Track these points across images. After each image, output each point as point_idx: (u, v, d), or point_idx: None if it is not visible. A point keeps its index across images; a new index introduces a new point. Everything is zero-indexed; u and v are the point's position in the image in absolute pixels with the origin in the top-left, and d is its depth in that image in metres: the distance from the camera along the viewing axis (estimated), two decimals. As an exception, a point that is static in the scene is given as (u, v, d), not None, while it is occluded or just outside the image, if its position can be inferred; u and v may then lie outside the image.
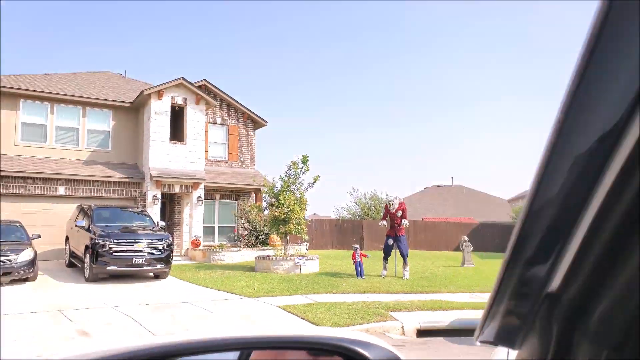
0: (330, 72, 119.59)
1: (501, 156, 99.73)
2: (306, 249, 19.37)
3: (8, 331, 6.80)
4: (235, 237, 19.61)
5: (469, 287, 11.73)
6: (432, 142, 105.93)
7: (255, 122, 21.60)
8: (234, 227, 19.95)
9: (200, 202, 17.72)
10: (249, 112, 21.18)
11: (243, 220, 19.01)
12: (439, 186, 51.82)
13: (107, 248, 11.35)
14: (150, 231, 12.70)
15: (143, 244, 11.84)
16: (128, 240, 11.72)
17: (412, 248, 26.62)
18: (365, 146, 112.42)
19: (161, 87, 17.26)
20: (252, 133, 21.52)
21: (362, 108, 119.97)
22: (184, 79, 17.66)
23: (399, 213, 13.28)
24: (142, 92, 16.96)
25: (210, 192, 19.47)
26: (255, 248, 17.43)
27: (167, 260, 12.30)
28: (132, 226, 12.90)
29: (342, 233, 26.49)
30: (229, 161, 20.70)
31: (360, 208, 33.69)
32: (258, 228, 18.35)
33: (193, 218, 17.64)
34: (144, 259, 11.76)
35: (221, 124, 20.76)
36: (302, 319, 8.41)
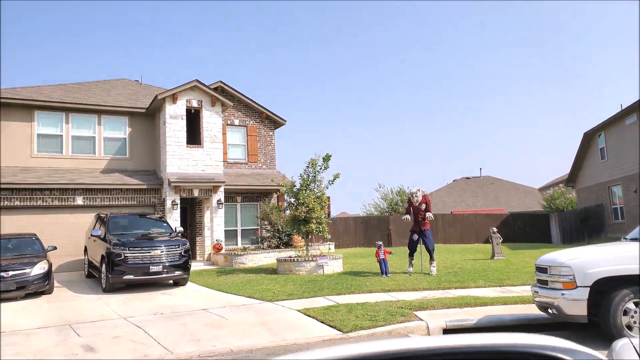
0: (353, 67, 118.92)
1: (531, 145, 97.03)
2: (329, 248, 18.85)
3: (12, 348, 6.54)
4: (258, 240, 19.27)
5: (499, 280, 11.00)
6: (460, 134, 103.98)
7: (274, 122, 21.22)
8: (257, 229, 19.62)
9: (220, 205, 17.43)
10: (267, 112, 20.81)
11: (265, 222, 18.65)
12: (467, 178, 50.49)
13: (123, 257, 11.11)
14: (167, 238, 12.42)
15: (159, 251, 11.56)
16: (144, 248, 11.45)
17: (441, 242, 25.92)
18: (391, 141, 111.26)
19: (175, 91, 17.04)
20: (271, 133, 21.15)
21: (387, 103, 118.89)
22: (198, 81, 17.40)
23: (423, 206, 12.63)
24: (156, 96, 16.76)
25: (231, 195, 19.20)
26: (278, 250, 17.03)
27: (185, 267, 11.99)
28: (149, 233, 12.66)
29: (368, 230, 25.85)
30: (248, 162, 20.38)
31: (387, 204, 32.96)
32: (280, 229, 17.95)
33: (214, 222, 17.36)
34: (161, 266, 11.47)
35: (239, 125, 20.46)
36: (322, 322, 7.93)
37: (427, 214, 12.51)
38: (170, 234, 13.01)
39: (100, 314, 8.86)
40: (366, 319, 7.87)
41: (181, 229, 13.92)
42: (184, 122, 17.22)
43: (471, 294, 9.67)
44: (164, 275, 11.58)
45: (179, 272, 11.82)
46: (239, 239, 19.45)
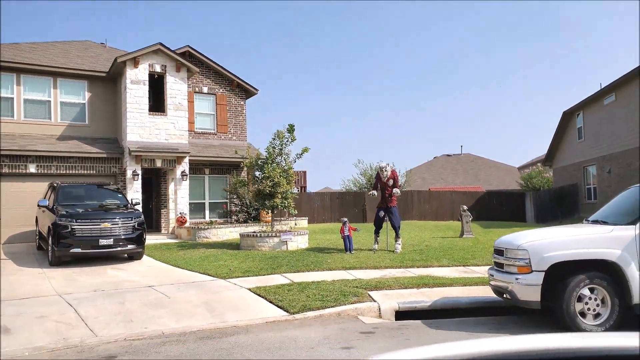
0: (334, 43, 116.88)
1: (512, 124, 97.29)
2: (295, 224, 18.41)
3: None
4: (226, 214, 18.72)
5: (464, 260, 10.68)
6: (442, 110, 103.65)
7: (245, 91, 20.40)
8: (225, 202, 19.05)
9: (184, 177, 16.76)
10: (238, 80, 19.95)
11: (233, 196, 18.06)
12: (448, 155, 50.37)
13: (70, 229, 10.47)
14: (121, 210, 11.79)
15: (110, 224, 10.94)
16: (93, 220, 10.82)
17: (416, 219, 25.71)
18: (374, 117, 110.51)
19: (137, 54, 16.10)
20: (242, 102, 20.35)
21: (370, 80, 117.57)
22: (161, 44, 16.46)
23: (390, 182, 12.18)
24: (116, 59, 15.82)
25: (198, 167, 18.52)
26: (245, 224, 16.50)
27: (139, 240, 11.42)
28: (102, 205, 12.00)
29: (344, 206, 25.48)
30: (218, 133, 19.63)
31: (366, 180, 32.59)
32: (249, 203, 17.40)
33: (178, 194, 16.72)
34: (112, 239, 10.86)
35: (208, 94, 19.61)
36: (270, 302, 7.50)
37: (394, 190, 12.08)
38: (126, 206, 12.38)
39: (36, 290, 8.28)
40: (317, 299, 7.46)
41: (138, 200, 13.28)
42: (146, 88, 16.35)
43: (432, 274, 9.34)
44: (115, 249, 10.99)
45: (132, 246, 11.24)
46: (207, 212, 18.88)
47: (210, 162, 18.51)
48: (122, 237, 11.12)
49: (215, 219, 18.47)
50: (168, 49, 16.66)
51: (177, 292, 8.18)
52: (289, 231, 13.38)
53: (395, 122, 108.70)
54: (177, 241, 15.34)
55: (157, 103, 17.71)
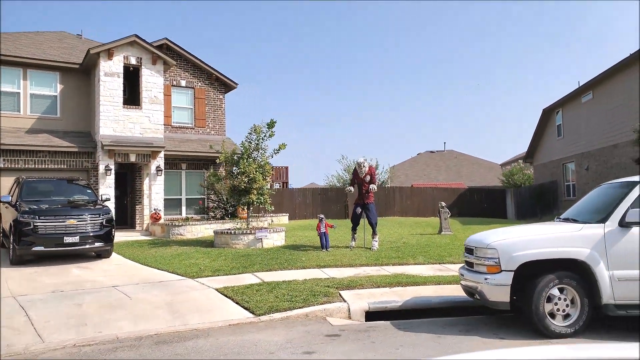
0: (316, 39, 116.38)
1: (495, 121, 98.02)
2: (271, 221, 18.15)
3: None
4: (203, 210, 18.36)
5: (440, 257, 10.54)
6: (426, 107, 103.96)
7: (224, 85, 20.01)
8: (202, 198, 18.69)
9: (159, 172, 16.37)
10: (217, 73, 19.57)
11: (210, 191, 17.71)
12: (431, 152, 50.45)
13: (32, 226, 10.05)
14: (88, 206, 11.39)
15: (76, 221, 10.55)
16: (58, 217, 10.40)
17: (398, 215, 25.58)
18: (358, 114, 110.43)
19: (111, 46, 15.64)
20: (221, 96, 19.96)
21: (356, 75, 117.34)
22: (137, 36, 16.02)
23: (367, 178, 11.97)
24: (89, 51, 15.33)
25: (175, 162, 18.13)
26: (222, 221, 16.19)
27: (107, 238, 11.04)
28: (69, 201, 11.58)
29: (326, 202, 25.26)
30: (195, 127, 19.24)
31: (349, 176, 32.41)
32: (226, 199, 17.07)
33: (152, 190, 16.33)
34: (78, 237, 10.47)
35: (186, 87, 19.19)
36: (237, 303, 7.24)
37: (370, 186, 11.88)
38: (95, 202, 11.98)
39: (-9, 291, 7.89)
40: (285, 299, 7.23)
41: (108, 196, 12.87)
42: (120, 81, 15.90)
43: (406, 272, 9.16)
44: (81, 247, 10.60)
45: (100, 243, 10.86)
46: (184, 208, 18.51)
47: (187, 156, 18.14)
48: (90, 234, 10.74)
49: (192, 215, 18.11)
50: (144, 40, 16.21)
51: (141, 292, 7.87)
52: (264, 228, 13.12)
53: (380, 118, 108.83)
54: (150, 238, 14.97)
55: (132, 96, 17.27)
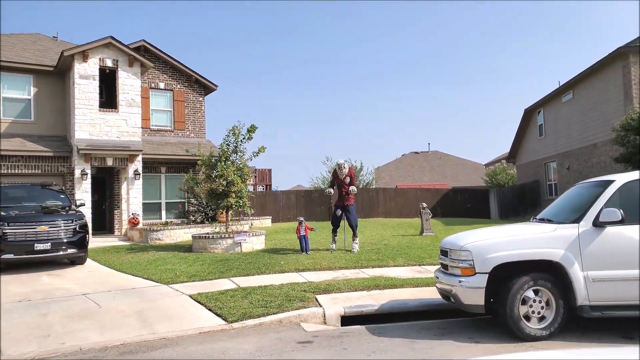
0: (298, 42, 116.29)
1: (479, 121, 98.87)
2: (251, 224, 17.94)
3: None
4: (184, 214, 18.08)
5: (420, 259, 10.45)
6: (411, 108, 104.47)
7: (204, 87, 19.77)
8: (183, 202, 18.41)
9: (137, 176, 16.07)
10: (196, 76, 19.32)
11: (190, 195, 17.44)
12: (416, 153, 50.63)
13: (1, 233, 9.74)
14: (61, 212, 11.09)
15: (48, 227, 10.25)
16: (28, 224, 10.10)
17: (382, 216, 25.52)
18: (345, 115, 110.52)
19: (86, 48, 15.33)
20: (201, 99, 19.71)
21: (341, 76, 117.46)
22: (113, 38, 15.71)
23: (347, 180, 11.86)
24: (63, 53, 15.00)
25: (154, 165, 17.83)
26: (202, 225, 15.93)
27: (80, 244, 10.75)
28: (41, 207, 11.26)
29: (310, 204, 25.12)
30: (175, 130, 18.96)
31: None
32: (205, 203, 16.81)
33: (130, 194, 16.03)
34: (50, 244, 10.18)
35: (165, 89, 18.91)
36: (210, 310, 7.05)
37: (350, 187, 11.76)
38: (69, 207, 11.67)
39: (-45, 301, 7.59)
40: (260, 305, 7.05)
41: (83, 202, 12.55)
42: (96, 83, 15.59)
43: (385, 274, 9.06)
44: (53, 254, 10.31)
45: (73, 250, 10.57)
46: (163, 212, 18.21)
47: (166, 160, 17.85)
48: (63, 240, 10.45)
49: (172, 220, 17.82)
50: (120, 42, 15.92)
51: (112, 300, 7.64)
52: (243, 232, 12.92)
53: (365, 119, 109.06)
54: (128, 243, 14.67)
55: (110, 99, 16.97)
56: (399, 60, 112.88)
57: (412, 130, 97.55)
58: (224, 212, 14.41)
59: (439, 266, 6.54)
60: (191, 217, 17.47)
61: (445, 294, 5.91)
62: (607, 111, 19.07)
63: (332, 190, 12.33)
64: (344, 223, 12.08)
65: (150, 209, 17.75)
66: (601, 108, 19.58)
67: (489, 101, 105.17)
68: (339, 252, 11.54)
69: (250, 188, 27.11)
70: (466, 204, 26.97)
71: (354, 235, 11.82)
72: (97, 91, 15.59)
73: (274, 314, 6.71)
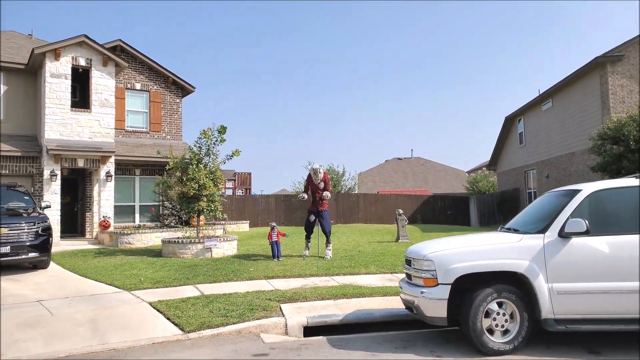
0: (282, 45, 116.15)
1: (463, 128, 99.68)
2: (222, 229, 17.64)
3: None
4: (158, 217, 17.68)
5: (393, 266, 10.27)
6: (395, 114, 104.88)
7: (181, 89, 19.44)
8: (157, 205, 18.01)
9: (109, 178, 15.66)
10: (173, 77, 18.98)
11: (163, 198, 17.07)
12: (399, 159, 50.69)
13: (-44, 236, 9.32)
14: (23, 214, 10.68)
15: (8, 230, 9.86)
16: (-15, 226, 9.69)
17: (362, 222, 25.37)
18: (329, 120, 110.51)
19: (58, 46, 14.92)
20: (178, 100, 19.37)
21: (327, 81, 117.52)
22: (86, 36, 15.33)
23: (322, 185, 11.65)
24: (33, 50, 14.58)
25: (128, 167, 17.43)
26: (175, 229, 15.58)
27: (43, 247, 10.36)
28: (4, 208, 10.83)
29: (290, 209, 24.88)
30: (150, 132, 18.58)
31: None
32: (179, 207, 16.45)
33: (102, 197, 15.61)
34: (9, 247, 9.78)
35: (141, 90, 18.53)
36: (168, 318, 6.75)
37: (324, 193, 11.56)
38: (32, 209, 11.26)
39: None
40: (220, 314, 6.78)
41: (48, 203, 12.13)
42: (68, 83, 15.18)
43: (355, 282, 8.86)
44: (13, 258, 9.89)
45: (34, 253, 10.17)
46: (137, 216, 17.80)
47: (141, 162, 17.46)
48: (25, 244, 10.07)
49: (145, 223, 17.42)
50: (93, 41, 15.54)
51: (66, 307, 7.30)
52: (214, 237, 12.62)
53: (350, 125, 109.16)
54: (97, 247, 14.27)
55: (83, 99, 16.55)
56: (384, 66, 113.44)
57: (395, 136, 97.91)
58: (194, 216, 14.10)
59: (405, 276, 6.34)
60: (165, 220, 17.09)
61: (409, 305, 5.71)
62: (585, 120, 19.20)
63: (305, 196, 12.11)
64: (318, 229, 11.87)
65: (124, 211, 17.34)
66: (579, 117, 19.71)
67: (473, 107, 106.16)
68: (311, 259, 11.31)
69: (230, 192, 26.79)
70: (446, 211, 26.96)
71: (327, 242, 11.62)
72: (69, 90, 15.18)
73: (233, 323, 6.44)
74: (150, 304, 7.52)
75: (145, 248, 13.97)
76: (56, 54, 14.91)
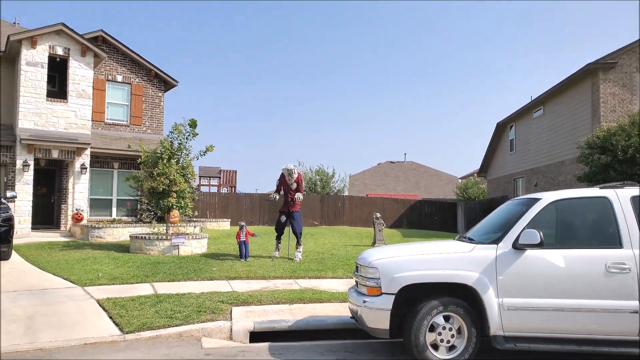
0: (271, 45, 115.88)
1: (457, 133, 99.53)
2: (195, 227, 17.30)
3: None
4: (133, 212, 17.34)
5: (360, 273, 9.95)
6: (389, 117, 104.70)
7: (164, 82, 19.10)
8: (135, 199, 17.67)
9: (84, 170, 15.33)
10: (156, 70, 18.65)
11: (140, 193, 16.73)
12: (392, 162, 50.39)
13: None
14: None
15: (-36, 220, 9.54)
16: (-59, 216, 9.37)
17: (346, 224, 25.04)
18: (324, 121, 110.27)
19: (35, 33, 14.58)
20: (160, 94, 19.04)
21: (320, 81, 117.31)
22: (64, 25, 14.99)
23: (294, 186, 11.36)
24: (9, 37, 14.24)
25: (106, 160, 17.09)
26: (149, 224, 15.23)
27: (3, 239, 10.06)
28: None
29: (274, 209, 24.47)
30: (131, 125, 18.24)
31: (304, 183, 31.79)
32: (148, 202, 16.11)
33: (76, 189, 15.28)
34: (-35, 238, 9.47)
35: (122, 82, 18.19)
36: (110, 317, 6.47)
37: (296, 195, 11.27)
38: (-3, 199, 10.93)
39: None
40: (165, 315, 6.49)
41: (15, 194, 11.80)
42: (45, 71, 14.84)
43: (318, 287, 8.56)
44: (-32, 249, 9.58)
45: (-7, 244, 9.86)
46: (114, 209, 17.46)
47: (119, 155, 17.12)
48: (-18, 235, 9.75)
49: (122, 217, 17.09)
50: (72, 30, 15.20)
51: (11, 302, 6.99)
52: (182, 234, 12.30)
53: (344, 126, 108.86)
54: (68, 240, 13.93)
55: (62, 89, 16.21)
56: (380, 70, 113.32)
57: (390, 139, 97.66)
58: (167, 213, 13.78)
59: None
60: (141, 216, 16.75)
61: (353, 315, 5.41)
62: (575, 129, 18.94)
63: (277, 196, 11.82)
64: (289, 230, 11.59)
65: (101, 205, 17.01)
66: (570, 125, 19.45)
67: (471, 113, 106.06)
68: (280, 260, 11.02)
69: (214, 189, 26.45)
70: (434, 216, 26.69)
71: (298, 243, 11.33)
72: (45, 79, 14.85)
73: (176, 326, 6.15)
74: (97, 301, 7.23)
75: (116, 243, 13.64)
76: (33, 42, 14.57)
